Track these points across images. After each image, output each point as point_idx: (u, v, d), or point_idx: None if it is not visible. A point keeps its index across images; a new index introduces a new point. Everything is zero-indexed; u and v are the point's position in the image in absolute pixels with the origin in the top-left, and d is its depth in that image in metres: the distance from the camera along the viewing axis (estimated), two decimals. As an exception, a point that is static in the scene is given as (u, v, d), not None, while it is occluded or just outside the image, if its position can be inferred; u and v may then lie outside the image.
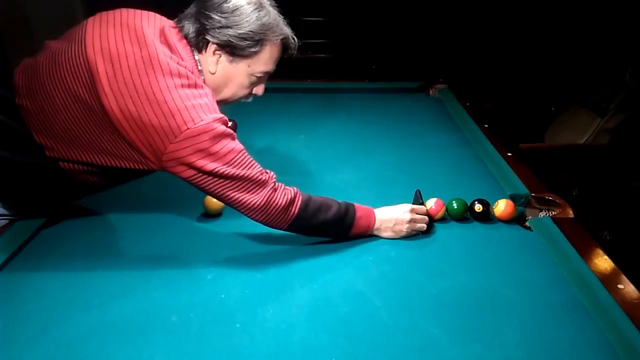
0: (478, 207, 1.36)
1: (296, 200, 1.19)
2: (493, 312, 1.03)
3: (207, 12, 1.18)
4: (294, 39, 1.30)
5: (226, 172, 1.11)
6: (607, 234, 2.13)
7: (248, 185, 1.14)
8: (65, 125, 1.13)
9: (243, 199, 1.14)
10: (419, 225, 1.29)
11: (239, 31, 1.17)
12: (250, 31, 1.18)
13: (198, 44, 1.20)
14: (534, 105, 3.59)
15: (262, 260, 1.20)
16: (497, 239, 1.30)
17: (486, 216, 1.37)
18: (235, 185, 1.13)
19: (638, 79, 2.55)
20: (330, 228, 1.23)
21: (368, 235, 1.28)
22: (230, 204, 1.17)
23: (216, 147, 1.10)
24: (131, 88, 1.07)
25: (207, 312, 1.02)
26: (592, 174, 2.51)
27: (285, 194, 1.17)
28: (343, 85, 2.62)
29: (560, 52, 3.65)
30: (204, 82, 1.21)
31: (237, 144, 1.16)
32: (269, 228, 1.21)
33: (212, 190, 1.14)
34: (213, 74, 1.23)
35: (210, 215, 1.38)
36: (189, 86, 1.11)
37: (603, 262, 1.14)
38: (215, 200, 1.37)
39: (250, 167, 1.16)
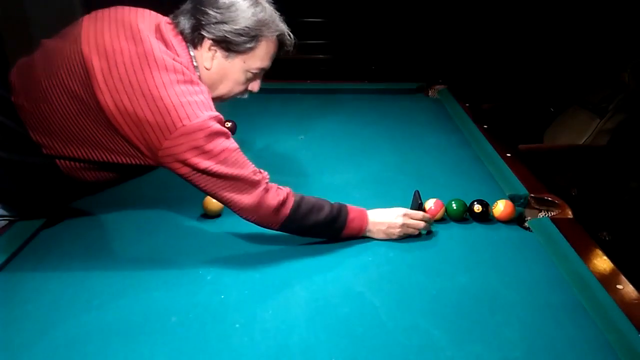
0: (477, 208, 1.36)
1: (288, 201, 1.19)
2: (492, 313, 1.04)
3: (202, 8, 1.18)
4: (290, 35, 1.30)
5: (219, 170, 1.11)
6: (606, 235, 2.13)
7: (240, 184, 1.14)
8: (61, 122, 1.14)
9: (235, 198, 1.14)
10: (411, 230, 1.28)
11: (235, 27, 1.17)
12: (246, 27, 1.18)
13: (193, 39, 1.20)
14: (533, 105, 3.60)
15: (261, 260, 1.20)
16: (496, 239, 1.31)
17: (485, 217, 1.37)
18: (228, 184, 1.13)
19: (637, 79, 2.55)
20: (322, 229, 1.24)
21: (360, 236, 1.28)
22: (223, 202, 1.18)
23: (210, 145, 1.10)
24: (126, 84, 1.07)
25: (206, 312, 1.03)
26: (591, 175, 2.51)
27: (277, 195, 1.18)
28: (342, 86, 2.62)
29: (559, 53, 3.65)
30: (200, 78, 1.21)
31: (231, 143, 1.16)
32: (265, 228, 1.21)
33: (205, 188, 1.15)
34: (208, 69, 1.23)
35: (209, 215, 1.38)
36: (185, 82, 1.11)
37: (602, 262, 1.15)
38: (214, 201, 1.38)
39: (243, 166, 1.16)
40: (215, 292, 1.09)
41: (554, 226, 1.29)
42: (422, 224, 1.29)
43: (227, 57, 1.22)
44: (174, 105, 1.07)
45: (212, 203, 1.37)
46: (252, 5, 1.20)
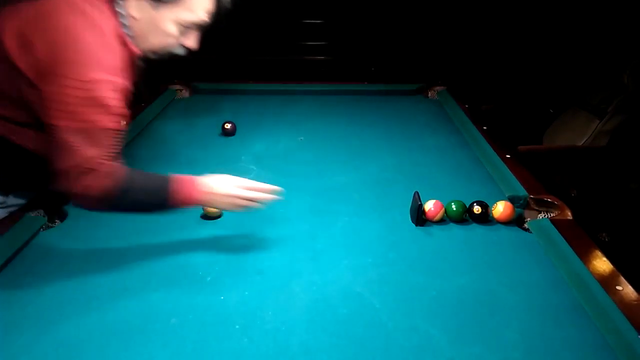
0: (477, 209, 1.36)
1: (114, 189, 1.10)
2: (492, 314, 1.04)
3: None
4: None
5: (77, 119, 1.04)
6: (605, 236, 2.14)
7: (77, 146, 1.05)
8: None
9: (65, 154, 1.05)
10: (245, 202, 1.20)
11: None
12: None
13: None
14: (532, 107, 3.60)
15: (261, 262, 1.20)
16: (495, 240, 1.31)
17: (485, 218, 1.37)
18: (72, 136, 1.04)
19: (636, 80, 2.56)
20: (148, 206, 1.18)
21: (194, 205, 1.22)
22: (55, 150, 1.07)
23: (84, 109, 1.04)
24: (31, 21, 1.07)
25: (206, 314, 1.03)
26: (590, 176, 2.51)
27: (104, 180, 1.09)
28: (342, 87, 2.63)
29: (559, 54, 3.66)
30: (129, 28, 1.18)
31: (109, 117, 1.08)
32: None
33: (54, 118, 1.05)
34: (137, 19, 1.18)
35: (209, 217, 1.38)
36: (96, 35, 1.08)
37: (601, 263, 1.15)
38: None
39: (96, 136, 1.07)
40: (215, 294, 1.09)
41: (554, 227, 1.29)
42: (261, 195, 1.22)
43: (155, 6, 1.17)
44: (75, 52, 1.03)
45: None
46: None
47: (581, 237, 1.25)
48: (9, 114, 1.19)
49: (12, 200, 1.35)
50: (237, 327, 0.99)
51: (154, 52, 1.28)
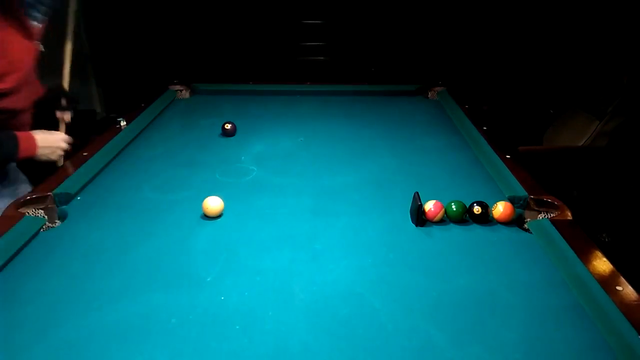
0: (477, 209, 1.36)
1: None
2: (492, 314, 1.04)
3: None
4: None
5: None
6: (605, 236, 2.14)
7: None
8: None
9: None
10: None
11: None
12: None
13: None
14: (532, 107, 3.60)
15: (261, 262, 1.20)
16: (496, 241, 1.31)
17: (485, 218, 1.37)
18: None
19: (636, 82, 2.56)
20: None
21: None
22: None
23: None
24: None
25: (206, 314, 1.03)
26: (590, 177, 2.52)
27: None
28: (342, 88, 2.63)
29: (559, 55, 3.66)
30: None
31: None
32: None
33: None
34: None
35: (209, 217, 1.38)
36: None
37: (602, 264, 1.15)
38: (214, 203, 1.38)
39: None
40: (215, 294, 1.09)
41: (554, 228, 1.29)
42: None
43: None
44: None
45: (212, 205, 1.38)
46: None
47: (581, 237, 1.25)
48: None
49: None
50: (237, 327, 0.99)
51: None
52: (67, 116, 1.79)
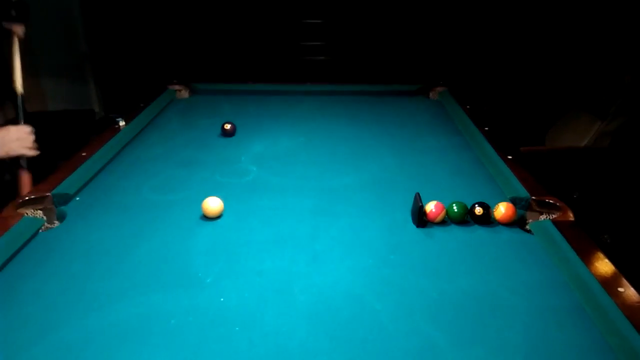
0: (478, 210, 1.36)
1: None
2: (494, 316, 1.03)
3: None
4: None
5: None
6: (607, 237, 2.13)
7: None
8: None
9: None
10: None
11: None
12: None
13: None
14: (534, 108, 3.60)
15: (261, 263, 1.20)
16: (497, 242, 1.30)
17: (486, 219, 1.36)
18: None
19: (638, 82, 2.55)
20: None
21: None
22: None
23: None
24: None
25: (206, 315, 1.02)
26: (592, 177, 2.51)
27: None
28: (342, 87, 2.63)
29: (561, 56, 3.66)
30: None
31: None
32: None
33: None
34: None
35: (209, 218, 1.38)
36: None
37: (603, 265, 1.14)
38: (214, 203, 1.37)
39: None
40: (215, 295, 1.08)
41: (555, 229, 1.28)
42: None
43: None
44: None
45: (212, 206, 1.37)
46: None
47: (583, 238, 1.24)
48: None
49: None
50: (237, 328, 0.98)
51: None
52: (19, 30, 1.56)
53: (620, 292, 1.04)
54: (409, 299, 1.08)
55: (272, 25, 3.88)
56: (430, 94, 2.55)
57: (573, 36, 3.57)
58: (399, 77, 3.80)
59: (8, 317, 1.01)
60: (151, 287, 1.10)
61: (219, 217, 1.39)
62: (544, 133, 3.06)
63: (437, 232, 1.34)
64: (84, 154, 1.70)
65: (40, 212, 1.38)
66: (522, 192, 1.46)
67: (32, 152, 1.57)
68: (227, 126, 2.00)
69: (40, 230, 1.31)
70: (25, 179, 1.59)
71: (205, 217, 1.38)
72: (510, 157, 1.70)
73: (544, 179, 1.57)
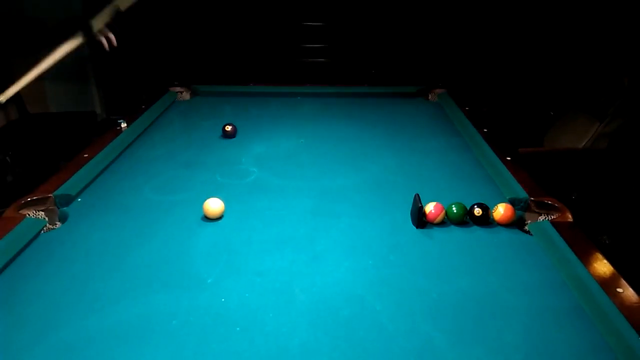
0: (477, 211, 1.36)
1: None
2: (493, 316, 1.03)
3: None
4: None
5: None
6: (606, 238, 2.14)
7: None
8: None
9: None
10: None
11: None
12: None
13: None
14: (532, 109, 3.61)
15: (262, 264, 1.20)
16: (496, 242, 1.31)
17: (486, 220, 1.37)
18: None
19: (636, 83, 2.56)
20: None
21: None
22: None
23: None
24: None
25: (207, 315, 1.03)
26: (591, 178, 2.52)
27: None
28: (343, 89, 2.63)
29: (560, 57, 3.67)
30: None
31: None
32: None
33: None
34: None
35: (210, 219, 1.39)
36: None
37: (602, 266, 1.15)
38: (215, 204, 1.38)
39: None
40: (216, 296, 1.09)
41: (554, 230, 1.29)
42: None
43: None
44: None
45: (213, 207, 1.38)
46: None
47: (582, 239, 1.25)
48: None
49: None
50: (237, 328, 0.99)
51: None
52: (113, 37, 1.50)
53: (619, 292, 1.05)
54: (408, 299, 1.08)
55: (273, 27, 3.89)
56: (430, 96, 2.56)
57: (571, 38, 3.58)
58: (398, 79, 3.81)
59: (10, 318, 1.01)
60: (152, 287, 1.11)
61: (220, 218, 1.39)
62: (542, 134, 3.06)
63: (437, 232, 1.35)
64: (85, 155, 1.71)
65: (42, 213, 1.39)
66: (521, 193, 1.47)
67: None
68: (228, 128, 2.01)
69: (42, 231, 1.32)
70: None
71: (206, 218, 1.39)
72: (509, 158, 1.71)
73: (542, 180, 1.58)
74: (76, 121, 3.50)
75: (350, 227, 1.37)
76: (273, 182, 1.65)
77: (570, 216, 1.35)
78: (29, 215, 1.35)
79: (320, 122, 2.21)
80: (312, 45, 3.95)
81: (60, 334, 0.97)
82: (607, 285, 1.07)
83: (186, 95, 2.55)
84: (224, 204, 1.40)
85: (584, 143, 2.65)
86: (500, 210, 1.36)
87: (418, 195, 1.37)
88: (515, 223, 1.38)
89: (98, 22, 1.36)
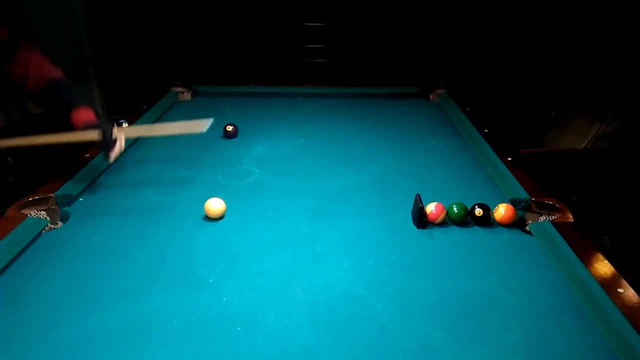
0: (478, 212, 1.36)
1: None
2: (494, 316, 1.04)
3: None
4: None
5: None
6: (606, 239, 2.14)
7: None
8: None
9: None
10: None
11: None
12: None
13: None
14: (533, 110, 3.61)
15: (263, 264, 1.21)
16: (497, 243, 1.31)
17: (486, 220, 1.37)
18: None
19: (637, 83, 2.56)
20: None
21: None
22: None
23: None
24: None
25: (208, 315, 1.03)
26: (591, 179, 2.52)
27: None
28: (343, 90, 2.63)
29: (560, 57, 3.66)
30: None
31: None
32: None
33: None
34: None
35: (211, 219, 1.39)
36: None
37: (603, 266, 1.15)
38: (216, 204, 1.38)
39: None
40: (217, 296, 1.09)
41: (555, 230, 1.29)
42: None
43: None
44: None
45: (214, 207, 1.38)
46: None
47: (582, 239, 1.25)
48: None
49: None
50: (238, 329, 0.99)
51: None
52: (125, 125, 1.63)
53: (620, 292, 1.05)
54: (409, 300, 1.08)
55: (274, 27, 3.89)
56: (431, 96, 2.56)
57: (572, 38, 3.58)
58: (399, 79, 3.81)
59: (11, 317, 1.01)
60: (153, 287, 1.11)
61: (221, 218, 1.40)
62: (543, 135, 3.06)
63: (437, 233, 1.35)
64: (87, 155, 1.72)
65: (43, 212, 1.39)
66: (522, 193, 1.47)
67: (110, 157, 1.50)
68: (229, 128, 2.01)
69: (44, 231, 1.32)
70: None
71: (208, 218, 1.39)
72: (509, 158, 1.71)
73: (543, 181, 1.58)
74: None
75: (351, 227, 1.37)
76: (274, 182, 1.65)
77: (571, 216, 1.35)
78: (30, 215, 1.36)
79: (321, 122, 2.22)
80: (312, 46, 3.95)
81: (61, 333, 0.97)
82: (607, 285, 1.07)
83: (187, 96, 2.56)
84: (225, 204, 1.40)
85: (584, 144, 2.65)
86: (501, 211, 1.36)
87: (419, 195, 1.37)
88: (516, 223, 1.38)
89: (119, 132, 1.48)
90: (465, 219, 1.38)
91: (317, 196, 1.55)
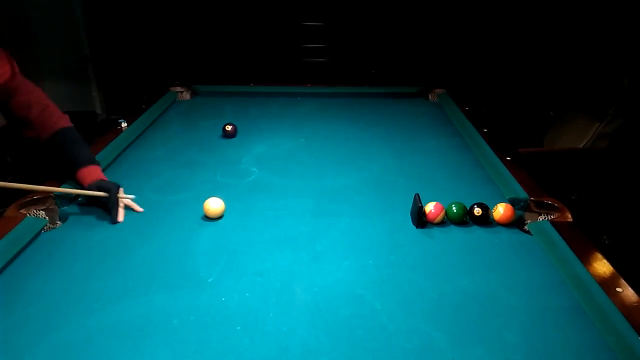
0: (477, 211, 1.36)
1: None
2: (493, 315, 1.04)
3: None
4: None
5: None
6: (605, 238, 2.14)
7: None
8: None
9: None
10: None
11: None
12: None
13: None
14: (532, 109, 3.61)
15: (262, 263, 1.21)
16: (496, 242, 1.31)
17: (485, 220, 1.37)
18: None
19: (636, 83, 2.56)
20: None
21: None
22: None
23: None
24: None
25: (207, 315, 1.03)
26: (591, 178, 2.52)
27: None
28: (343, 89, 2.64)
29: (559, 57, 3.67)
30: None
31: None
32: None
33: None
34: None
35: (210, 218, 1.39)
36: None
37: (602, 265, 1.15)
38: (216, 204, 1.38)
39: None
40: (217, 295, 1.09)
41: (554, 229, 1.29)
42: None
43: None
44: None
45: (213, 206, 1.38)
46: None
47: (581, 239, 1.25)
48: None
49: None
50: (238, 328, 0.99)
51: None
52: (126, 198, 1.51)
53: (619, 292, 1.05)
54: (408, 299, 1.09)
55: (273, 27, 3.89)
56: (430, 96, 2.56)
57: (571, 38, 3.58)
58: (398, 79, 3.81)
59: (11, 317, 1.01)
60: (153, 287, 1.11)
61: (220, 217, 1.40)
62: (542, 134, 3.07)
63: (437, 232, 1.35)
64: (86, 155, 1.71)
65: (42, 212, 1.39)
66: (521, 193, 1.47)
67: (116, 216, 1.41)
68: (229, 128, 2.01)
69: (43, 231, 1.32)
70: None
71: (207, 218, 1.39)
72: (509, 158, 1.71)
73: (542, 180, 1.58)
74: (76, 121, 3.49)
75: (350, 226, 1.37)
76: (273, 181, 1.65)
77: (570, 216, 1.35)
78: (29, 214, 1.36)
79: (321, 122, 2.22)
80: (312, 45, 3.95)
81: (61, 333, 0.97)
82: (606, 284, 1.07)
83: (186, 95, 2.56)
84: (225, 203, 1.40)
85: (583, 143, 2.66)
86: (500, 210, 1.36)
87: (418, 195, 1.37)
88: (515, 223, 1.38)
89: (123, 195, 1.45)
90: (465, 219, 1.38)
91: (317, 196, 1.55)
